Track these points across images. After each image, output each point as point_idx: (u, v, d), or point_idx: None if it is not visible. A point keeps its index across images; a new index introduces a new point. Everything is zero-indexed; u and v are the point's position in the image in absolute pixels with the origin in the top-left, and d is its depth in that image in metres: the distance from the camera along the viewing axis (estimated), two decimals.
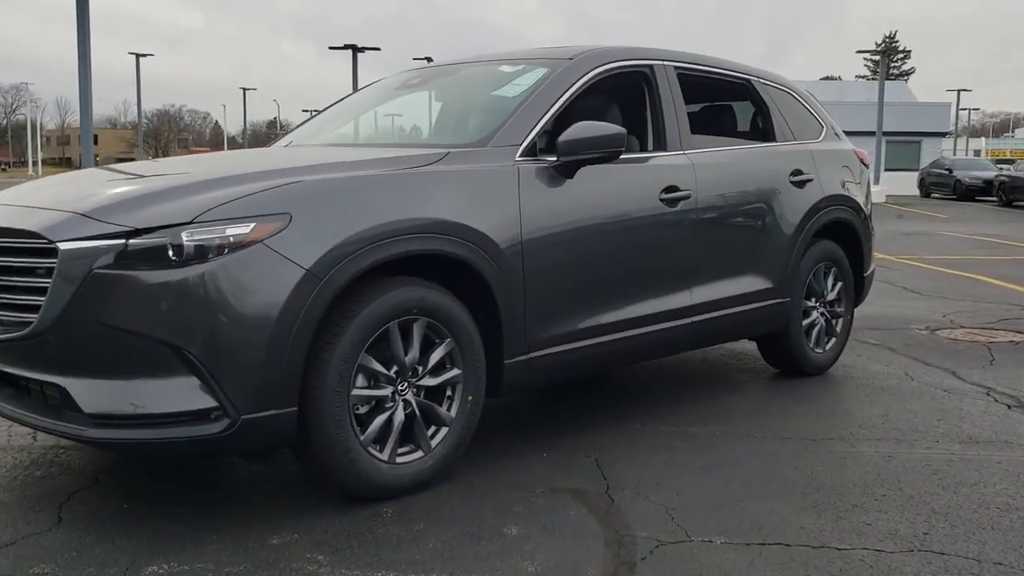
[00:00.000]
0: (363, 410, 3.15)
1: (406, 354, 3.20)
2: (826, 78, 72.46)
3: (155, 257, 2.78)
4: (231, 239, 2.80)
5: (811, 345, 5.20)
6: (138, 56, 47.33)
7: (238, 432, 2.81)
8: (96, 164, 24.41)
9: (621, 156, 3.91)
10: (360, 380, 3.10)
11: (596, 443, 3.92)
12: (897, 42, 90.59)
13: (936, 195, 36.46)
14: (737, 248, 4.61)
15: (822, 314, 5.28)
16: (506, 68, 4.31)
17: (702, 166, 4.39)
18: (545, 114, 3.79)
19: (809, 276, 5.11)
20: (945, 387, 5.04)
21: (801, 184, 4.99)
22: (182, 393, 2.80)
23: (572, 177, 3.73)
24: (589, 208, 3.79)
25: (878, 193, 31.88)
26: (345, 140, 4.38)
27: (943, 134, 47.74)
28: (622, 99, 4.39)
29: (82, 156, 14.65)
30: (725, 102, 5.31)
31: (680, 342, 4.40)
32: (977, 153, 73.66)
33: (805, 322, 5.13)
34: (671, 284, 4.22)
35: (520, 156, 3.63)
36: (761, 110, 5.17)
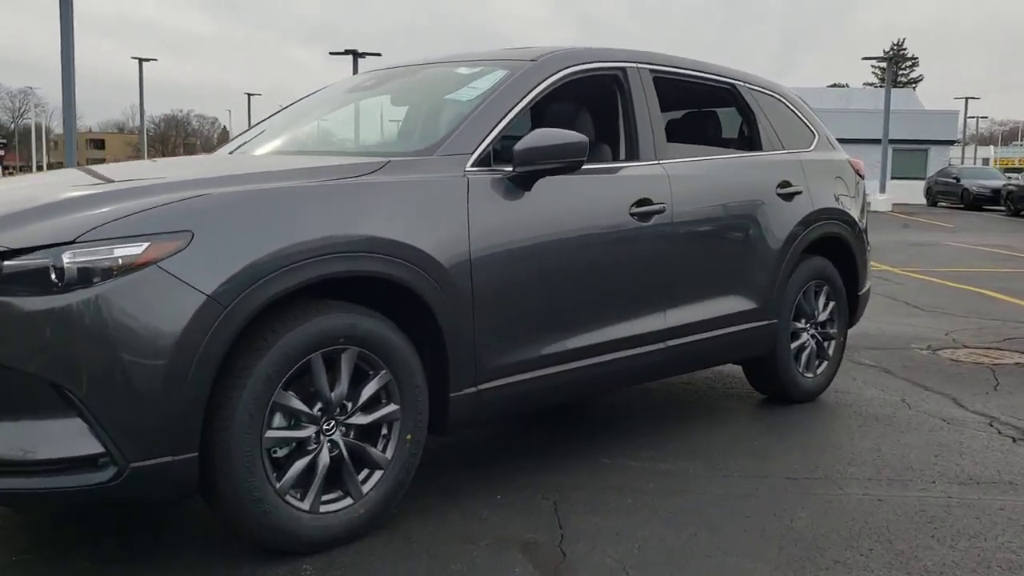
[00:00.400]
0: (282, 453, 2.80)
1: (332, 389, 2.85)
2: (833, 85, 71.99)
3: (34, 281, 2.43)
4: (120, 261, 2.46)
5: (800, 370, 4.83)
6: (141, 61, 47.19)
7: (127, 481, 2.46)
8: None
9: (587, 166, 3.59)
10: (277, 420, 2.74)
11: (558, 481, 3.56)
12: (905, 50, 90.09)
13: (943, 204, 36.01)
14: (717, 266, 4.25)
15: (813, 336, 4.92)
16: (463, 70, 3.97)
17: (678, 177, 4.03)
18: (501, 120, 3.45)
19: (798, 295, 4.74)
20: (945, 416, 4.67)
21: (789, 196, 4.63)
22: (67, 437, 2.45)
23: (530, 189, 3.38)
24: (549, 223, 3.43)
25: (884, 201, 31.47)
26: (290, 147, 4.04)
27: (951, 142, 47.24)
28: (591, 104, 4.04)
29: (65, 160, 14.37)
30: (707, 108, 4.96)
31: (654, 369, 4.03)
32: (986, 162, 73.14)
33: (794, 345, 4.76)
34: (643, 306, 3.87)
35: (472, 166, 3.28)
36: (746, 117, 4.82)
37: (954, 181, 35.44)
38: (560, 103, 3.87)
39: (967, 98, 61.26)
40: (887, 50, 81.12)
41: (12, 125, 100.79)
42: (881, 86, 66.84)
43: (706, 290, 4.18)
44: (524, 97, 3.56)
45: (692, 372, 5.18)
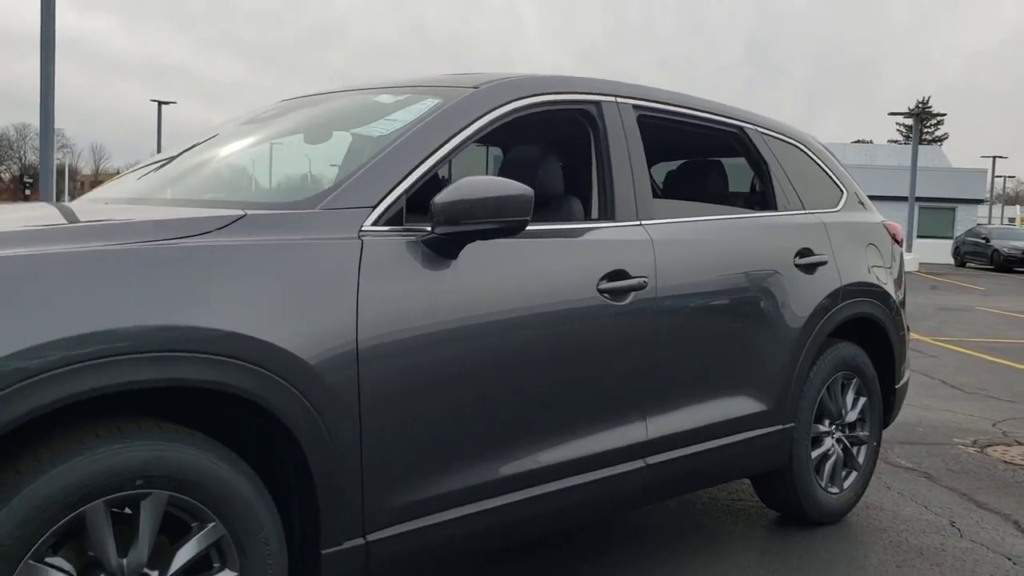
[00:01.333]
0: None
1: (125, 553, 1.92)
2: (857, 141, 71.19)
3: None
4: None
5: (823, 484, 3.85)
6: (160, 103, 47.28)
7: None
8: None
9: (541, 227, 2.72)
10: None
11: None
12: (930, 107, 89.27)
13: (972, 264, 34.83)
14: (717, 358, 3.31)
15: (839, 441, 3.94)
16: (386, 98, 3.08)
17: (667, 243, 3.12)
18: (422, 163, 2.55)
19: (821, 392, 3.78)
20: (1007, 550, 3.66)
21: (811, 268, 3.70)
22: None
23: (454, 257, 2.47)
24: (479, 304, 2.52)
25: (910, 261, 30.38)
26: (144, 193, 3.11)
27: (979, 201, 46.12)
28: (554, 147, 3.16)
29: (40, 194, 13.71)
30: (709, 157, 4.05)
31: (631, 496, 3.06)
32: (1011, 221, 71.81)
33: (815, 454, 3.79)
34: (616, 412, 2.93)
35: (372, 224, 2.39)
36: (758, 167, 3.90)
37: (983, 241, 34.30)
38: (510, 144, 2.98)
39: (995, 157, 60.17)
40: (912, 108, 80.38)
41: (40, 165, 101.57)
42: (905, 143, 65.99)
43: (701, 389, 3.24)
44: (457, 134, 2.67)
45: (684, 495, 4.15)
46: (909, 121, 64.52)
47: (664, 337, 3.06)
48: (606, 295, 2.85)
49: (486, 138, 2.90)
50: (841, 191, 4.21)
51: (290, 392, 2.10)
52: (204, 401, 2.08)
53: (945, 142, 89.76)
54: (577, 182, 3.22)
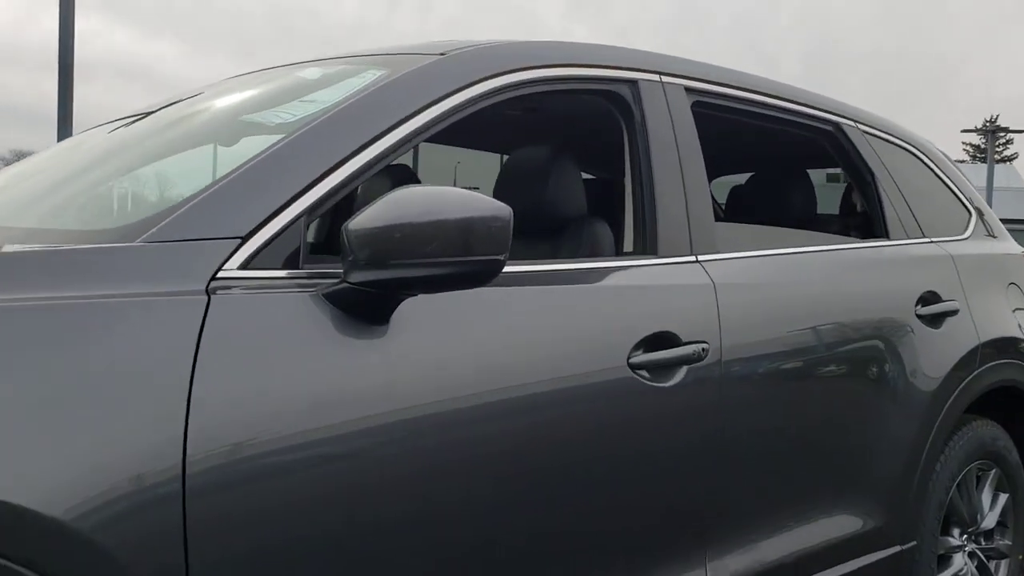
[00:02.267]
0: None
1: None
2: None
3: None
4: None
5: None
6: None
7: None
8: None
9: (533, 268, 1.74)
10: None
11: None
12: (999, 126, 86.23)
13: None
14: (809, 458, 2.27)
15: (971, 555, 2.85)
16: (311, 73, 2.08)
17: (736, 288, 2.10)
18: (338, 167, 1.57)
19: (951, 491, 2.70)
20: None
21: (937, 319, 2.63)
22: None
23: (383, 322, 1.49)
24: (426, 404, 1.51)
25: None
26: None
27: None
28: (570, 149, 2.16)
29: None
30: (791, 163, 3.01)
31: None
32: None
33: None
34: (660, 548, 1.91)
35: (240, 267, 1.42)
36: (860, 179, 2.83)
37: None
38: (499, 143, 2.01)
39: None
40: (979, 127, 77.54)
41: None
42: (973, 162, 63.82)
43: (786, 505, 2.21)
44: (404, 122, 1.68)
45: None
46: (977, 140, 62.10)
47: (731, 433, 2.02)
48: (642, 372, 1.83)
49: (459, 132, 1.92)
50: (968, 212, 3.13)
51: (50, 552, 1.14)
52: None
53: (1014, 161, 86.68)
54: (602, 199, 2.22)
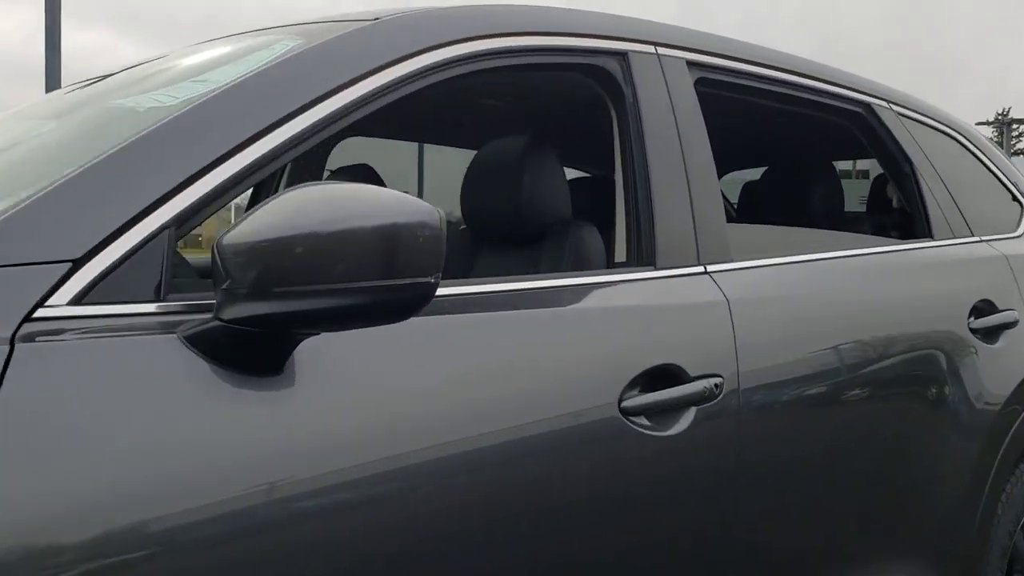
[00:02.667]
0: None
1: None
2: None
3: None
4: None
5: None
6: None
7: None
8: None
9: (504, 289, 1.37)
10: None
11: None
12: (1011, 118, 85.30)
13: None
14: (846, 507, 1.86)
15: None
16: (218, 49, 1.68)
17: (753, 303, 1.69)
18: (217, 164, 1.17)
19: (1015, 535, 2.29)
20: None
21: (993, 333, 2.22)
22: None
23: (276, 371, 1.09)
24: (334, 471, 1.12)
25: None
26: None
27: None
28: (547, 138, 1.77)
29: None
30: (814, 153, 2.60)
31: None
32: None
33: None
34: None
35: (71, 302, 1.03)
36: (896, 169, 2.41)
37: None
38: (450, 133, 1.62)
39: None
40: (991, 120, 76.70)
41: None
42: None
43: (814, 563, 1.80)
44: (317, 103, 1.28)
45: None
46: (990, 132, 61.30)
47: (752, 492, 1.61)
48: (638, 419, 1.42)
49: (404, 120, 1.52)
50: (1021, 205, 2.72)
51: None
52: None
53: None
54: (589, 200, 1.82)
